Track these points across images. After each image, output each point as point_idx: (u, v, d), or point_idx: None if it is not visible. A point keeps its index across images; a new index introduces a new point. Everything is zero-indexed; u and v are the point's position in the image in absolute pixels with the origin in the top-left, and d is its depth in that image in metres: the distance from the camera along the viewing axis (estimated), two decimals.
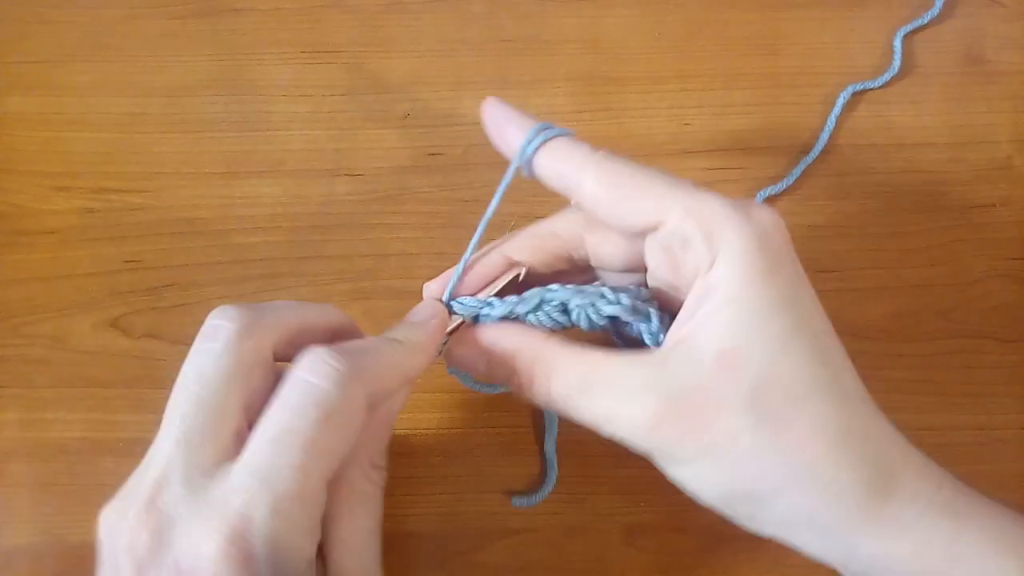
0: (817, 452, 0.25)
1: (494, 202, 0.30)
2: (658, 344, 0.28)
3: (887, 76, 0.43)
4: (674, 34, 0.45)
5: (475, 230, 0.30)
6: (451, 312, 0.31)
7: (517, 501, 0.36)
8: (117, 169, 0.42)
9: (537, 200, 0.41)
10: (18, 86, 0.44)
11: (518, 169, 0.29)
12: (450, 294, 0.31)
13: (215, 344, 0.26)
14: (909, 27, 0.44)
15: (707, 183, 0.41)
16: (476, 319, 0.30)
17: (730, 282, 0.26)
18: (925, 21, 0.44)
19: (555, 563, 0.36)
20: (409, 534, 0.36)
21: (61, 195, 0.41)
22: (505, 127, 0.29)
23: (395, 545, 0.36)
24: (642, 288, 0.30)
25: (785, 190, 0.41)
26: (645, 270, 0.30)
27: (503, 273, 0.31)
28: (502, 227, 0.40)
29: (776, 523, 0.27)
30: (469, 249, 0.30)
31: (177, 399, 0.26)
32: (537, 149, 0.28)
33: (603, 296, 0.29)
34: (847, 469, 0.25)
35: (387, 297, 0.40)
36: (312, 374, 0.25)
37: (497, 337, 0.30)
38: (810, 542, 0.27)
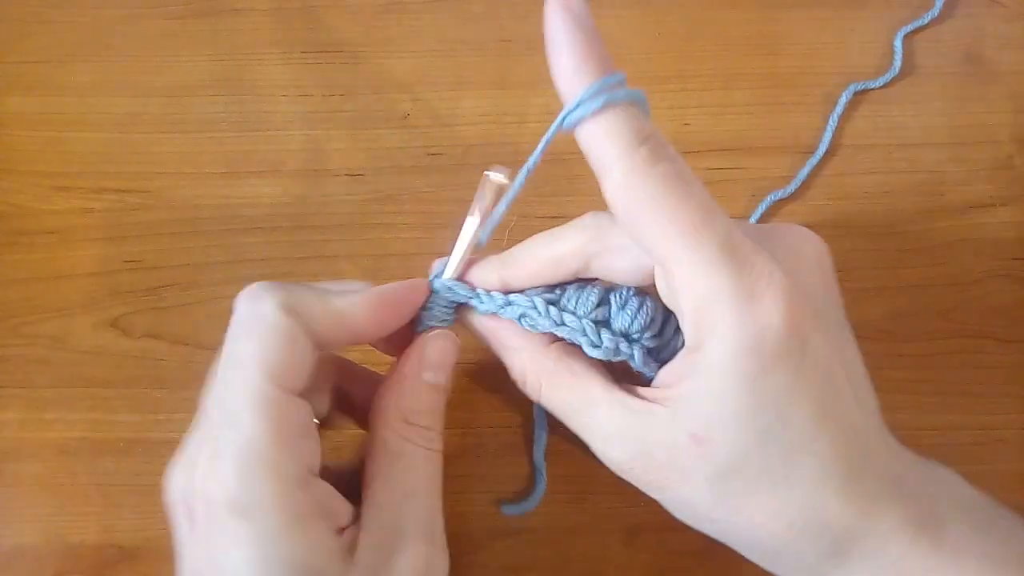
0: (772, 534, 0.26)
1: (536, 154, 0.28)
2: (646, 370, 0.29)
3: (887, 76, 0.43)
4: (674, 34, 0.45)
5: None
6: (432, 291, 0.31)
7: (508, 509, 0.36)
8: (117, 169, 0.42)
9: (539, 200, 0.41)
10: (18, 86, 0.44)
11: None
12: (443, 273, 0.31)
13: (251, 339, 0.27)
14: (909, 27, 0.44)
15: (707, 183, 0.41)
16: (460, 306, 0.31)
17: (711, 377, 0.25)
18: (925, 21, 0.44)
19: (555, 563, 0.36)
20: None
21: (61, 195, 0.41)
22: (562, 53, 0.26)
23: None
24: (647, 300, 0.29)
25: (786, 190, 0.41)
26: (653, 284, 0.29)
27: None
28: (502, 228, 0.40)
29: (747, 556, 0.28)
30: (487, 228, 0.30)
31: (214, 390, 0.27)
32: (586, 117, 0.25)
33: (586, 335, 0.29)
34: (801, 546, 0.26)
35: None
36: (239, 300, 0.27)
37: (498, 330, 0.31)
38: None
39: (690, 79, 0.44)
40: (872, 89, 0.43)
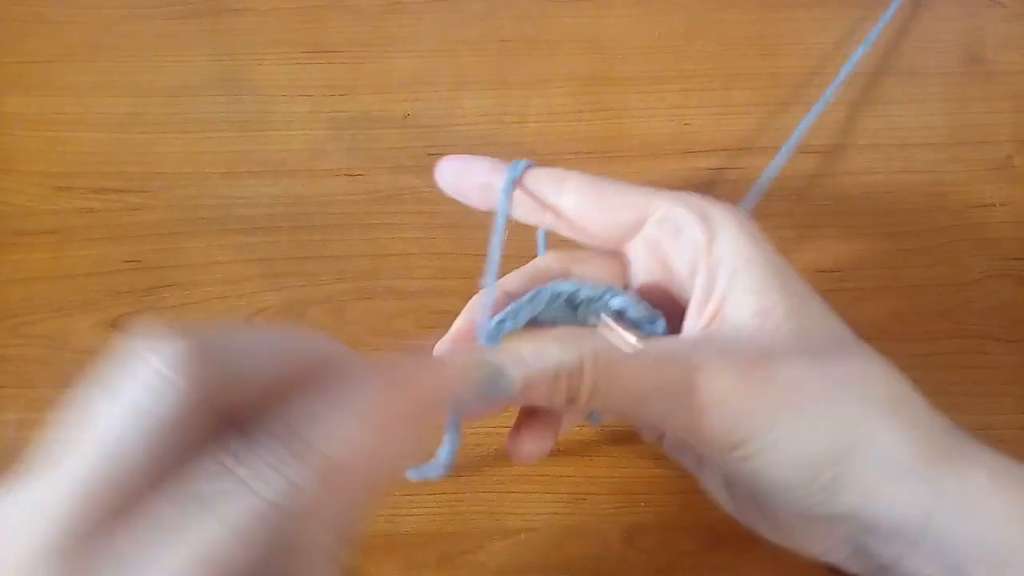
0: (884, 389, 0.26)
1: (497, 240, 0.28)
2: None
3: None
4: (674, 34, 0.45)
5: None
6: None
7: (412, 473, 0.30)
8: (117, 169, 0.42)
9: None
10: (18, 86, 0.44)
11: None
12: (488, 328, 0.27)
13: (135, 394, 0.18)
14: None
15: (707, 183, 0.42)
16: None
17: (739, 248, 0.26)
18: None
19: (555, 563, 0.36)
20: (409, 534, 0.36)
21: (61, 195, 0.41)
22: (470, 172, 0.30)
23: (395, 545, 0.36)
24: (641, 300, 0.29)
25: (784, 188, 0.41)
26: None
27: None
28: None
29: (855, 485, 0.25)
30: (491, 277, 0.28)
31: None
32: (521, 174, 0.29)
33: (610, 289, 0.28)
34: (916, 403, 0.26)
35: (387, 297, 0.40)
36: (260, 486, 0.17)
37: (546, 331, 0.27)
38: (893, 500, 0.25)
39: (690, 79, 0.44)
40: (871, 89, 0.43)
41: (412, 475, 0.31)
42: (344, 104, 0.43)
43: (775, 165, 0.31)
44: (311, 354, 0.20)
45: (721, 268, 0.27)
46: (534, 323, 0.28)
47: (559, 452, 0.37)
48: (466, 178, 0.30)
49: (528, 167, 0.29)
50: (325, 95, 0.43)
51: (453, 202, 0.41)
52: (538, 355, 0.25)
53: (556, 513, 0.36)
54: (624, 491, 0.37)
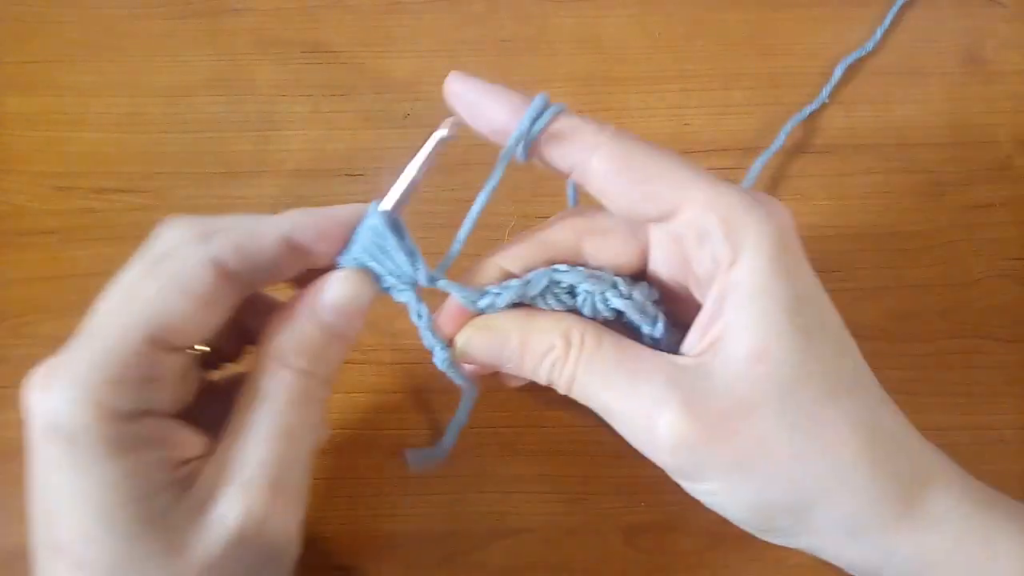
0: (853, 451, 0.25)
1: (491, 182, 0.28)
2: (655, 342, 0.28)
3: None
4: (674, 34, 0.45)
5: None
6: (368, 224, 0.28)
7: (412, 455, 0.35)
8: (117, 169, 0.42)
9: (538, 200, 0.41)
10: (18, 86, 0.44)
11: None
12: (394, 203, 0.29)
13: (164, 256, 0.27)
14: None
15: None
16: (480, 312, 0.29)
17: (756, 278, 0.25)
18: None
19: (555, 563, 0.36)
20: (409, 534, 0.36)
21: (61, 195, 0.41)
22: (485, 105, 0.28)
23: (395, 545, 0.36)
24: (652, 288, 0.29)
25: (785, 189, 0.41)
26: (644, 270, 0.29)
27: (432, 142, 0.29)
28: (501, 227, 0.40)
29: (811, 533, 0.26)
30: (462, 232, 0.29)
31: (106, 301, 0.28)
32: (543, 130, 0.26)
33: (615, 286, 0.28)
34: (884, 466, 0.25)
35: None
36: (165, 241, 0.26)
37: (531, 310, 0.28)
38: (845, 550, 0.26)
39: (690, 79, 0.44)
40: (871, 89, 0.43)
41: (412, 458, 0.34)
42: (344, 104, 0.43)
43: (765, 156, 0.30)
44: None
45: (733, 295, 0.25)
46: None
47: (559, 452, 0.37)
48: (479, 117, 0.28)
49: (557, 113, 0.26)
50: (325, 95, 0.43)
51: (453, 202, 0.41)
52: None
53: (556, 513, 0.36)
54: (624, 491, 0.37)
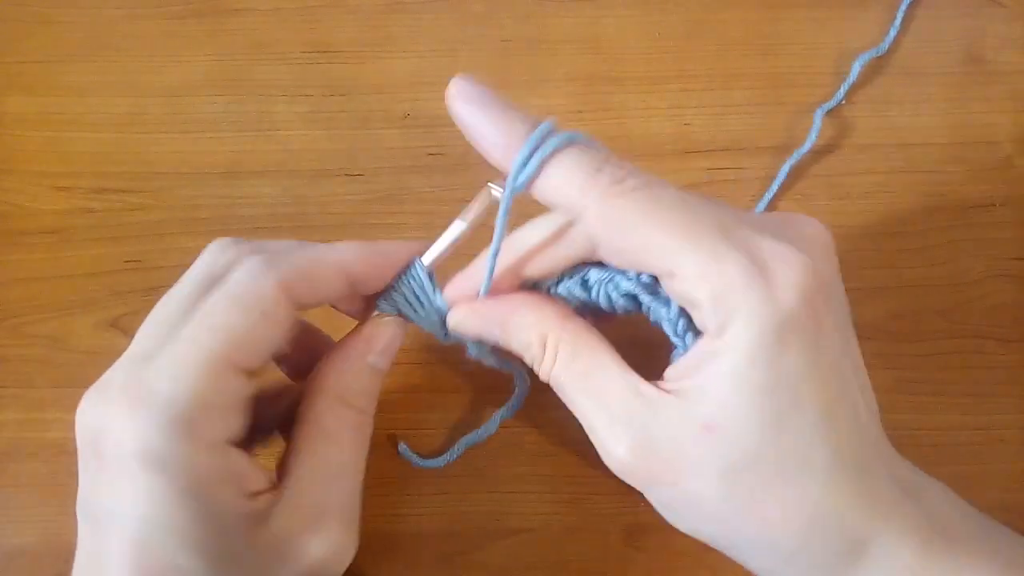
0: (787, 531, 0.25)
1: (497, 232, 0.27)
2: (679, 337, 0.27)
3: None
4: (674, 34, 0.45)
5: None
6: (411, 269, 0.31)
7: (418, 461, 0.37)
8: (117, 169, 0.42)
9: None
10: (18, 86, 0.44)
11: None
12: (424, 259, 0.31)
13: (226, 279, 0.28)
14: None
15: (707, 183, 0.42)
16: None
17: (733, 358, 0.24)
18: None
19: (555, 563, 0.36)
20: (409, 534, 0.36)
21: (61, 195, 0.41)
22: (486, 127, 0.26)
23: (395, 545, 0.36)
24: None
25: (785, 190, 0.41)
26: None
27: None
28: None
29: (749, 566, 0.27)
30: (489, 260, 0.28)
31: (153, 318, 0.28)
32: (538, 170, 0.25)
33: (623, 272, 0.27)
34: (817, 545, 0.25)
35: None
36: (220, 260, 0.28)
37: (521, 303, 0.29)
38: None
39: (690, 79, 0.44)
40: (871, 89, 0.43)
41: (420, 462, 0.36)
42: (344, 104, 0.43)
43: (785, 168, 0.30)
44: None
45: (711, 362, 0.25)
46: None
47: (559, 452, 0.37)
48: (478, 137, 0.26)
49: (559, 148, 0.25)
50: (325, 95, 0.43)
51: (453, 202, 0.42)
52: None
53: (556, 513, 0.36)
54: (624, 491, 0.36)
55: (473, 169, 0.42)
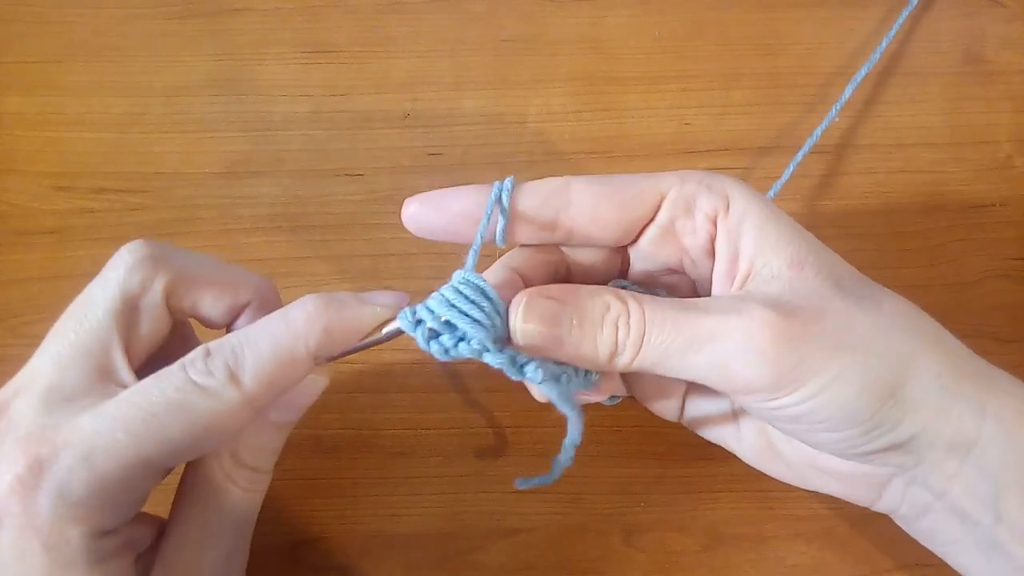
0: (923, 322, 0.27)
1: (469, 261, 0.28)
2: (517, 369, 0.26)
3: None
4: (674, 34, 0.45)
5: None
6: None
7: (521, 483, 0.32)
8: (117, 169, 0.42)
9: None
10: (18, 86, 0.44)
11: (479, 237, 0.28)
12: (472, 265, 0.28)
13: (110, 273, 0.27)
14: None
15: None
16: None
17: (757, 208, 0.27)
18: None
19: (555, 563, 0.36)
20: (409, 534, 0.36)
21: (61, 195, 0.41)
22: (442, 203, 0.28)
23: (395, 545, 0.36)
24: (663, 293, 0.30)
25: (785, 189, 0.41)
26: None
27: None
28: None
29: (919, 405, 0.26)
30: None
31: (62, 319, 0.27)
32: (511, 190, 0.27)
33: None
34: (950, 335, 0.27)
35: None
36: (193, 371, 0.25)
37: (577, 291, 0.27)
38: (949, 418, 0.26)
39: (690, 79, 0.44)
40: (871, 88, 0.43)
41: (521, 484, 0.32)
42: (344, 104, 0.43)
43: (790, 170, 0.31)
44: (241, 277, 0.29)
45: (743, 227, 0.27)
46: None
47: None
48: (440, 211, 0.27)
49: (513, 187, 0.27)
50: (325, 95, 0.43)
51: None
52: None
53: (556, 513, 0.36)
54: (624, 491, 0.37)
55: (473, 169, 0.42)
